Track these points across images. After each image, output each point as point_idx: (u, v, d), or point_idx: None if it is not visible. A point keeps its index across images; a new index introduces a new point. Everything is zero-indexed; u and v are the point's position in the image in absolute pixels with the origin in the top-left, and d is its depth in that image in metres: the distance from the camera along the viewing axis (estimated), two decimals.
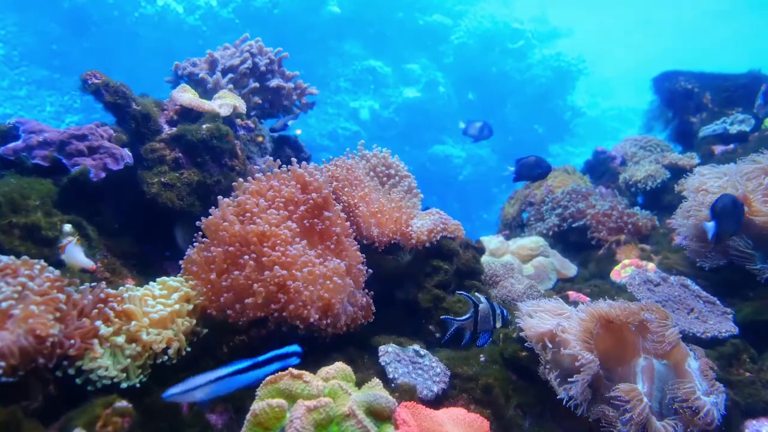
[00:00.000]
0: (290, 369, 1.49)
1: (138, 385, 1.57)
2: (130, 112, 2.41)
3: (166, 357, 1.67)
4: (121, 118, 2.46)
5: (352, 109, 13.35)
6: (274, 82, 3.07)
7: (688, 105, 4.34)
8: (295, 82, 3.18)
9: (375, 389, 1.54)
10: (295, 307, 1.80)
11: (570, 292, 2.80)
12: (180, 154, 2.40)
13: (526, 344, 1.91)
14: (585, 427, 1.73)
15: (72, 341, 1.48)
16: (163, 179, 2.32)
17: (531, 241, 3.42)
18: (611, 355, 1.84)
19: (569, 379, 1.69)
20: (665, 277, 2.64)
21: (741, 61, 5.15)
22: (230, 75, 2.96)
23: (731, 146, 3.78)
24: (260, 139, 2.89)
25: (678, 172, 3.56)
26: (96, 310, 1.60)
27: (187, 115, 2.59)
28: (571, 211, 3.62)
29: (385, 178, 2.68)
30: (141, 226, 2.39)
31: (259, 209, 2.00)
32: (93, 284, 1.70)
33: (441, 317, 2.16)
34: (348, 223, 2.23)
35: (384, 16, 13.85)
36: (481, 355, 2.01)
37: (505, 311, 1.99)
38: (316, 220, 2.11)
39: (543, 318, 1.89)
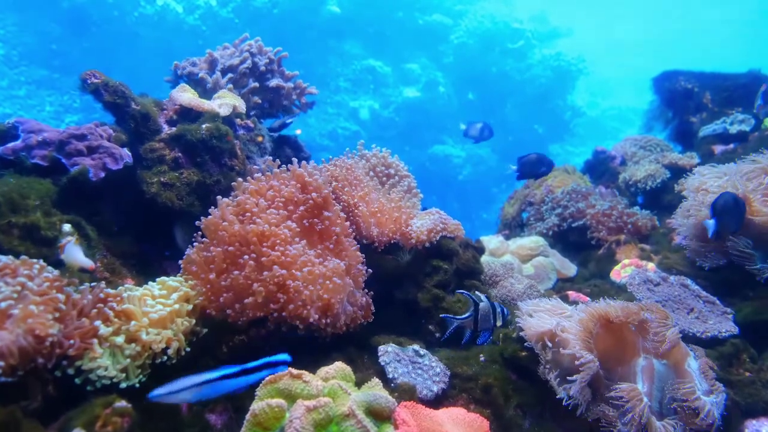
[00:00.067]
0: (290, 369, 1.49)
1: (137, 385, 1.57)
2: (129, 112, 2.41)
3: (165, 357, 1.67)
4: (120, 117, 2.46)
5: (351, 109, 13.35)
6: (273, 82, 3.07)
7: (688, 105, 4.34)
8: (294, 82, 3.18)
9: (375, 389, 1.54)
10: (295, 306, 1.80)
11: (570, 292, 2.80)
12: (179, 154, 2.40)
13: (525, 344, 1.91)
14: (585, 427, 1.72)
15: (71, 341, 1.47)
16: (162, 179, 2.32)
17: (531, 241, 3.42)
18: (611, 354, 1.84)
19: (568, 378, 1.68)
20: (665, 277, 2.64)
21: (741, 61, 5.15)
22: (230, 75, 2.96)
23: (731, 146, 3.78)
24: (260, 138, 2.88)
25: (678, 172, 3.56)
26: (95, 310, 1.60)
27: (187, 114, 2.59)
28: (571, 211, 3.62)
29: (384, 178, 2.68)
30: (140, 225, 2.39)
31: (259, 209, 2.00)
32: (93, 284, 1.70)
33: (441, 316, 2.16)
34: (348, 223, 2.22)
35: (384, 16, 13.85)
36: (481, 355, 2.01)
37: (505, 310, 1.99)
38: (315, 219, 2.10)
39: (543, 318, 1.89)
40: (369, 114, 13.37)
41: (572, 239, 3.59)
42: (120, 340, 1.58)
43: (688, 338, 2.21)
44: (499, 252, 3.38)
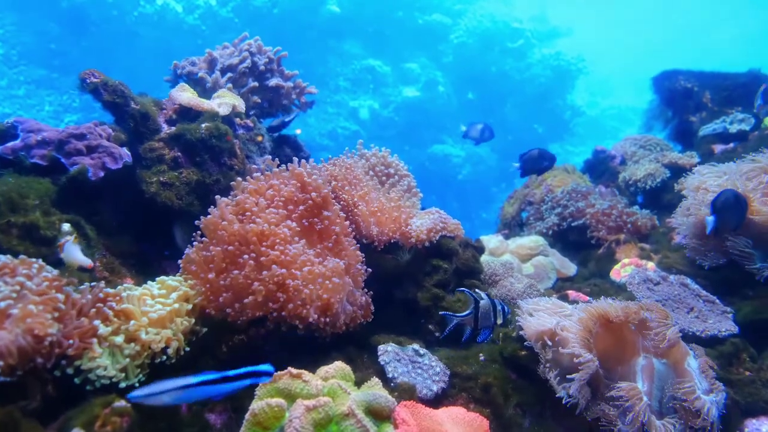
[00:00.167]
0: (289, 368, 1.49)
1: (137, 385, 1.57)
2: (128, 111, 2.41)
3: (164, 356, 1.66)
4: (119, 117, 2.46)
5: (351, 109, 13.35)
6: (273, 81, 3.07)
7: (688, 104, 4.33)
8: (294, 81, 3.17)
9: (374, 388, 1.53)
10: (294, 306, 1.80)
11: (569, 291, 2.79)
12: (179, 154, 2.40)
13: (525, 343, 1.91)
14: (585, 426, 1.72)
15: (70, 341, 1.47)
16: (162, 178, 2.31)
17: (530, 241, 3.42)
18: (611, 354, 1.84)
19: (568, 377, 1.68)
20: (665, 276, 2.64)
21: (741, 60, 5.15)
22: (229, 74, 2.96)
23: (731, 145, 3.77)
24: (259, 138, 2.88)
25: (678, 171, 3.55)
26: (94, 310, 1.59)
27: (186, 114, 2.59)
28: (571, 210, 3.62)
29: (384, 178, 2.67)
30: (140, 225, 2.39)
31: (259, 208, 2.00)
32: (92, 284, 1.69)
33: (440, 313, 2.16)
34: (347, 223, 2.22)
35: (383, 16, 13.84)
36: (481, 354, 2.01)
37: (506, 307, 1.99)
38: (315, 219, 2.10)
39: (542, 317, 1.89)
40: (369, 113, 13.37)
41: (572, 238, 3.59)
42: (119, 339, 1.58)
43: (688, 337, 2.21)
44: (499, 251, 3.38)
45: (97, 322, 1.56)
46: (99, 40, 11.63)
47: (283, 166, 2.23)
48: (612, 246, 3.28)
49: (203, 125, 2.45)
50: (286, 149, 3.13)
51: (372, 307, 2.14)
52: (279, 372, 1.48)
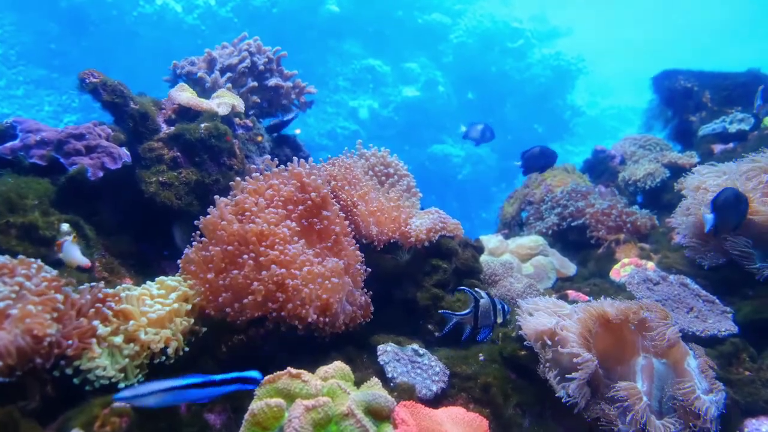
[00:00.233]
0: (288, 368, 1.49)
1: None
2: (128, 111, 2.40)
3: (164, 357, 1.66)
4: (119, 117, 2.45)
5: (351, 109, 13.34)
6: (272, 81, 3.06)
7: (688, 104, 4.33)
8: (293, 81, 3.17)
9: (374, 388, 1.53)
10: (294, 306, 1.80)
11: (569, 291, 2.79)
12: (178, 153, 2.40)
13: (525, 343, 1.91)
14: (585, 426, 1.72)
15: (70, 341, 1.47)
16: (161, 178, 2.31)
17: (530, 240, 3.41)
18: (611, 354, 1.83)
19: (567, 377, 1.68)
20: (664, 276, 2.64)
21: (740, 60, 5.15)
22: (228, 74, 2.96)
23: (730, 145, 3.77)
24: (259, 138, 2.88)
25: (677, 171, 3.55)
26: (94, 310, 1.59)
27: (186, 114, 2.59)
28: (571, 210, 3.62)
29: (383, 177, 2.67)
30: (139, 225, 2.39)
31: (258, 208, 2.00)
32: (92, 284, 1.69)
33: (440, 311, 2.16)
34: (347, 222, 2.22)
35: (383, 15, 13.84)
36: (480, 354, 2.01)
37: (506, 306, 1.98)
38: (314, 219, 2.10)
39: (542, 316, 1.89)
40: (368, 113, 13.37)
41: (572, 238, 3.59)
42: (118, 339, 1.58)
43: (688, 337, 2.21)
44: (499, 251, 3.38)
45: (96, 323, 1.56)
46: (98, 40, 11.63)
47: (283, 166, 2.23)
48: (612, 246, 3.28)
49: (202, 125, 2.45)
50: (286, 149, 3.13)
51: (371, 307, 2.13)
52: (278, 372, 1.48)
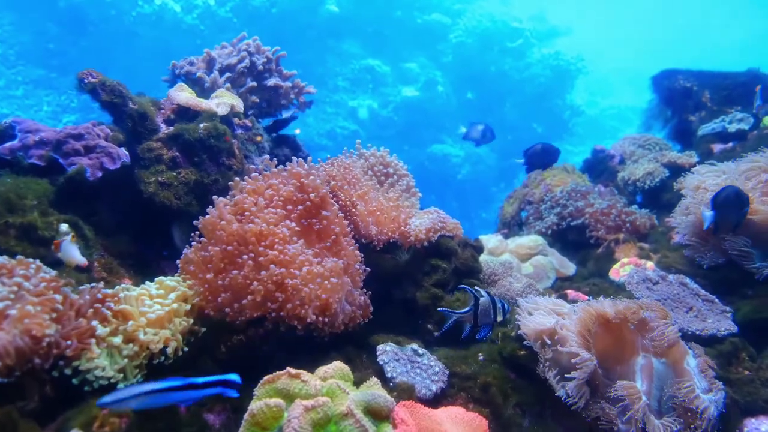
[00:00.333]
0: (288, 368, 1.48)
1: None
2: (127, 111, 2.40)
3: (163, 357, 1.66)
4: (117, 117, 2.45)
5: (350, 108, 13.33)
6: (271, 81, 3.06)
7: (687, 103, 4.33)
8: (292, 81, 3.17)
9: (373, 388, 1.53)
10: (293, 306, 1.79)
11: (569, 291, 2.79)
12: (177, 154, 2.40)
13: (524, 342, 1.91)
14: (584, 425, 1.72)
15: (68, 341, 1.47)
16: (160, 178, 2.31)
17: (530, 240, 3.41)
18: (610, 353, 1.83)
19: (566, 376, 1.68)
20: (664, 276, 2.64)
21: (740, 60, 5.15)
22: (228, 74, 2.95)
23: (730, 144, 3.77)
24: (258, 138, 2.88)
25: (677, 171, 3.55)
26: (92, 310, 1.59)
27: (185, 114, 2.58)
28: (570, 210, 3.62)
29: (383, 177, 2.67)
30: (138, 225, 2.38)
31: (258, 208, 1.99)
32: (91, 285, 1.69)
33: (439, 309, 2.15)
34: (346, 222, 2.22)
35: (382, 15, 13.83)
36: (480, 354, 2.01)
37: (506, 304, 1.98)
38: (313, 219, 2.10)
39: (542, 316, 1.89)
40: (368, 113, 13.36)
41: (571, 238, 3.59)
42: (117, 340, 1.58)
43: (687, 337, 2.20)
44: (498, 251, 3.38)
45: (95, 323, 1.56)
46: (97, 40, 11.61)
47: (282, 167, 2.23)
48: (611, 245, 3.27)
49: (201, 125, 2.45)
50: (285, 149, 3.13)
51: (371, 307, 2.13)
52: (277, 372, 1.48)
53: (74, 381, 1.48)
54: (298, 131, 3.32)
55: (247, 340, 1.90)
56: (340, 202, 2.34)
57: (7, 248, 1.80)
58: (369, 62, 13.66)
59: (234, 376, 1.35)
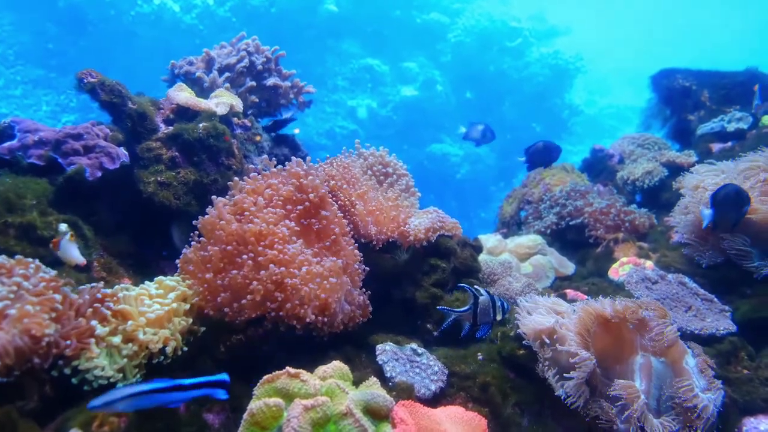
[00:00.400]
0: (287, 368, 1.49)
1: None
2: (126, 111, 2.40)
3: (162, 357, 1.66)
4: (117, 117, 2.45)
5: (349, 108, 13.33)
6: (271, 81, 3.06)
7: (686, 103, 4.33)
8: (292, 81, 3.17)
9: (372, 388, 1.53)
10: (292, 305, 1.80)
11: (568, 290, 2.80)
12: (176, 153, 2.40)
13: (524, 342, 1.91)
14: (584, 425, 1.72)
15: (68, 341, 1.47)
16: (159, 178, 2.31)
17: (529, 240, 3.42)
18: (609, 352, 1.84)
19: (566, 376, 1.68)
20: (663, 275, 2.64)
21: (739, 59, 5.15)
22: (227, 74, 2.95)
23: (729, 144, 3.78)
24: (258, 138, 2.88)
25: (676, 170, 3.56)
26: (92, 310, 1.59)
27: (184, 114, 2.58)
28: (569, 209, 3.62)
29: (382, 177, 2.67)
30: (137, 225, 2.38)
31: (257, 208, 2.00)
32: (91, 285, 1.69)
33: (438, 308, 2.15)
34: (345, 222, 2.22)
35: (381, 15, 13.83)
36: (479, 354, 2.01)
37: (505, 303, 1.98)
38: (312, 219, 2.10)
39: (541, 315, 1.89)
40: (367, 113, 13.36)
41: (570, 237, 3.59)
42: (117, 339, 1.58)
43: (686, 336, 2.21)
44: (497, 250, 3.38)
45: (94, 323, 1.56)
46: (96, 40, 11.61)
47: (281, 166, 2.23)
48: (610, 245, 3.28)
49: (201, 125, 2.45)
50: (284, 149, 3.13)
51: (370, 307, 2.13)
52: (277, 371, 1.48)
53: (73, 380, 1.48)
54: (297, 131, 3.32)
55: (247, 340, 1.90)
56: (340, 202, 2.34)
57: (7, 248, 1.80)
58: (368, 62, 13.66)
59: (223, 377, 1.35)
